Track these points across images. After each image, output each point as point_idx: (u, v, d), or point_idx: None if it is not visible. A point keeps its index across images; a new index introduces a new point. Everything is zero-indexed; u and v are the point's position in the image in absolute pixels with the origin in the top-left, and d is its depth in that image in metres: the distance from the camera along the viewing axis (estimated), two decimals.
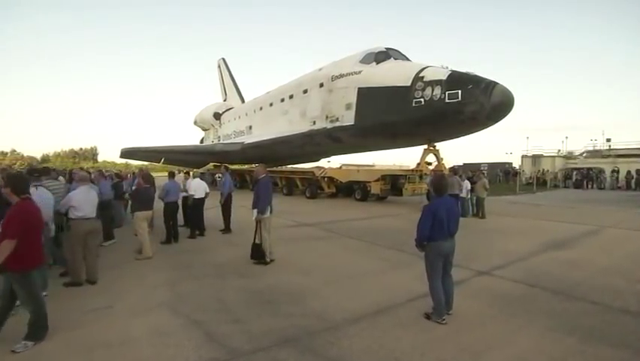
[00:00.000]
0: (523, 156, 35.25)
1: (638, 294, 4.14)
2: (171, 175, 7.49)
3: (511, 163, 35.68)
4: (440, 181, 3.66)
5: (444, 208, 3.38)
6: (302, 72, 17.32)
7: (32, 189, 3.90)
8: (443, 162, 13.93)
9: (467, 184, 10.52)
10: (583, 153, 36.00)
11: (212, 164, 26.60)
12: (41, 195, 3.96)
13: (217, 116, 26.50)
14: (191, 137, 31.78)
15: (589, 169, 29.00)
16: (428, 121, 11.61)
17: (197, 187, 7.47)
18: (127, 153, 23.30)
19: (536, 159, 33.50)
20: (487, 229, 8.65)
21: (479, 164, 35.51)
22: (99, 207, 4.79)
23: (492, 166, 34.15)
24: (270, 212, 5.54)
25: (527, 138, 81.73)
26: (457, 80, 11.02)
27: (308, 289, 4.34)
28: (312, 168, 18.91)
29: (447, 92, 10.98)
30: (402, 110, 11.92)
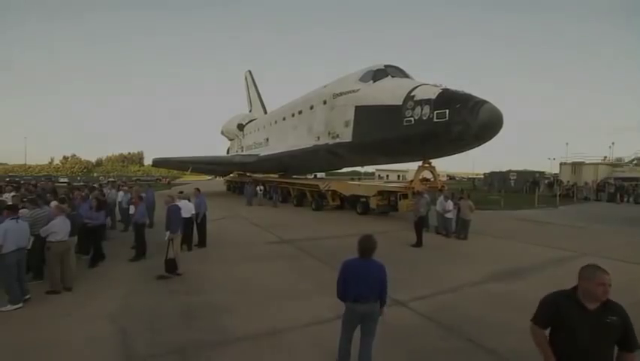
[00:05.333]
0: (561, 164, 32.84)
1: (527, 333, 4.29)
2: (140, 198, 8.52)
3: (544, 172, 33.36)
4: (361, 243, 3.22)
5: (354, 270, 3.18)
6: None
7: (12, 222, 5.05)
8: (440, 178, 13.96)
9: (450, 204, 10.56)
10: (633, 159, 32.62)
11: (236, 173, 28.45)
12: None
13: (240, 127, 28.37)
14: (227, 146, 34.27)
15: (627, 179, 26.20)
16: (418, 140, 11.80)
17: (182, 208, 8.50)
18: (158, 163, 25.84)
19: (576, 166, 30.97)
20: (452, 253, 8.71)
21: (508, 172, 33.76)
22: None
23: (522, 174, 32.22)
24: (179, 232, 6.96)
25: (567, 143, 75.13)
26: (445, 99, 11.12)
27: (233, 307, 5.06)
28: (317, 181, 19.58)
29: (435, 112, 11.14)
30: (393, 129, 12.25)
